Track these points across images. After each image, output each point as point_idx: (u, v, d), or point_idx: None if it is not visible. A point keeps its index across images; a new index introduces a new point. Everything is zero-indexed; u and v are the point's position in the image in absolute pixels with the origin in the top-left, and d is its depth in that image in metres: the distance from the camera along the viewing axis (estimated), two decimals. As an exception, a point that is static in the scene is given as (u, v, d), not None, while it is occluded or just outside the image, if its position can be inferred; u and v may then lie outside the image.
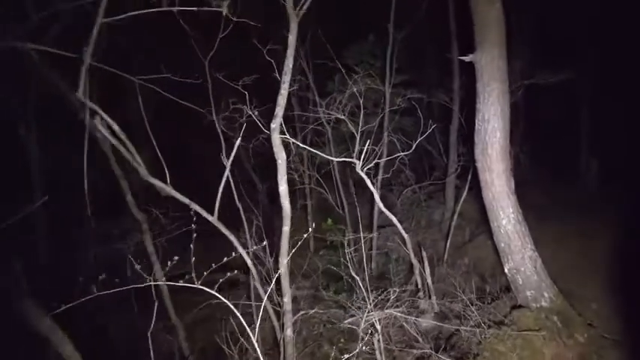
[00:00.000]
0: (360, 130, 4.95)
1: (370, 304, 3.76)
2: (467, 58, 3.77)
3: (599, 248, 5.29)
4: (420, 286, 5.28)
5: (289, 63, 3.17)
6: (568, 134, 9.68)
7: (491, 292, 4.45)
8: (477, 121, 3.73)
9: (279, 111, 3.16)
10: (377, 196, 4.50)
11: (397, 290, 3.97)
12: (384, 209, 4.61)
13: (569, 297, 4.11)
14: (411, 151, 4.68)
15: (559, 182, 8.95)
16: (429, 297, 5.08)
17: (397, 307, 4.00)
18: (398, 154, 4.97)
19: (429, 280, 5.15)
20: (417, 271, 5.29)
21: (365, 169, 4.42)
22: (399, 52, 7.13)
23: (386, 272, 6.82)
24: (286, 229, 3.43)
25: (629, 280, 4.22)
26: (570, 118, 9.59)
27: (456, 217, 6.93)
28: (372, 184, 4.51)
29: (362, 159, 4.17)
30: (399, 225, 4.72)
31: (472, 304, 4.29)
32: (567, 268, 4.99)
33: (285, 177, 3.28)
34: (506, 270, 3.66)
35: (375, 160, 4.58)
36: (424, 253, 5.31)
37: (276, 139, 3.16)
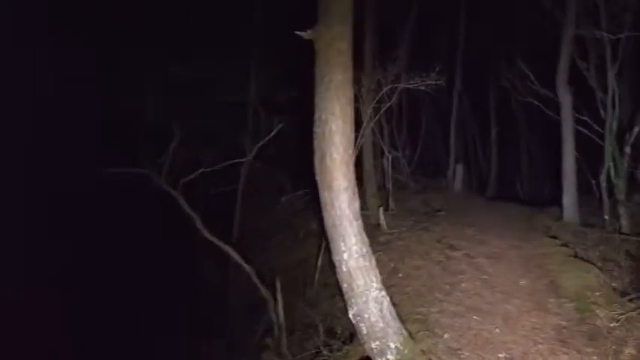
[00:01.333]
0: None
1: None
2: (305, 34, 2.80)
3: (462, 259, 5.14)
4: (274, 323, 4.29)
5: None
6: (443, 141, 10.15)
7: (343, 332, 3.66)
8: (314, 121, 2.81)
9: None
10: (193, 216, 3.27)
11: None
12: (207, 235, 3.42)
13: (423, 326, 3.59)
14: (251, 157, 3.61)
15: (434, 187, 9.25)
16: (280, 339, 4.10)
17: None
18: (221, 164, 3.81)
19: (282, 318, 4.18)
20: (270, 306, 4.28)
21: (182, 181, 3.15)
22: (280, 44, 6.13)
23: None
24: None
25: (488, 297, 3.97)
26: (444, 125, 10.10)
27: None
28: (184, 198, 3.28)
29: (164, 172, 2.89)
30: (234, 254, 3.61)
31: (320, 351, 3.44)
32: (428, 286, 4.63)
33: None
34: (350, 316, 2.86)
35: (197, 173, 3.33)
36: (278, 285, 4.30)
37: None
